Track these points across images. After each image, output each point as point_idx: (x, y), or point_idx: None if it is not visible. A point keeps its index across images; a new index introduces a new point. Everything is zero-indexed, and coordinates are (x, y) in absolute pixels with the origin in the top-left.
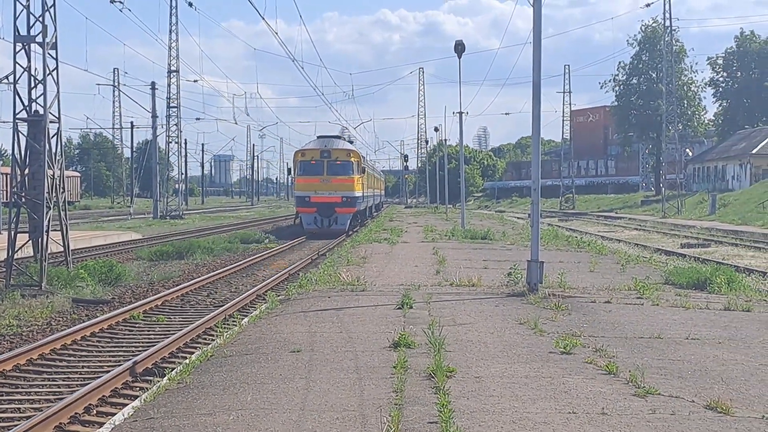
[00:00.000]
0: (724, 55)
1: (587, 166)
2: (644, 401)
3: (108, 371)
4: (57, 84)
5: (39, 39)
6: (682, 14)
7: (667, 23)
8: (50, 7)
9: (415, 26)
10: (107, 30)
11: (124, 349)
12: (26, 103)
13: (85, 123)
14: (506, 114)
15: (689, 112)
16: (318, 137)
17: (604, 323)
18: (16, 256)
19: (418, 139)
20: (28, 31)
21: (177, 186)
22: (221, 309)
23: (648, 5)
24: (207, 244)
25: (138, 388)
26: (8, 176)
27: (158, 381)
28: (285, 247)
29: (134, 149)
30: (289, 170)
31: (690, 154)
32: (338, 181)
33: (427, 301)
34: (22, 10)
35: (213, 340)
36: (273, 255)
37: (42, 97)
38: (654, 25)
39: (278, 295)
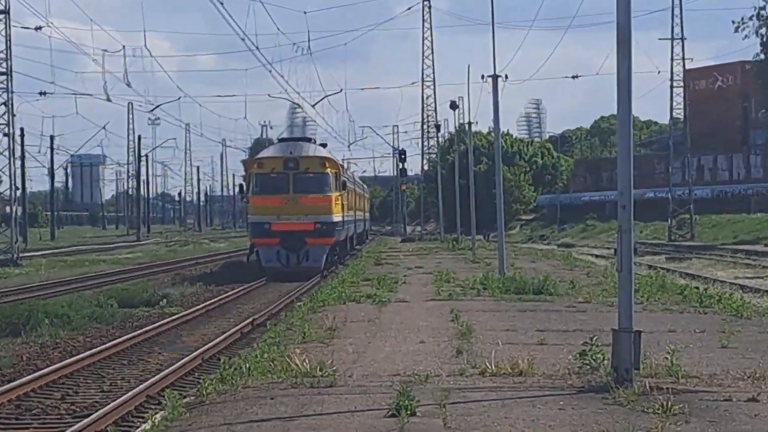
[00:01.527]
0: None
1: (714, 164)
2: None
3: None
4: None
5: None
6: None
7: None
8: None
9: None
10: None
11: None
12: None
13: None
14: (573, 78)
15: None
16: (279, 140)
17: None
18: None
19: (423, 124)
20: None
21: (8, 210)
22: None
23: None
24: (61, 309)
25: None
26: None
27: None
28: (222, 300)
29: None
30: (240, 187)
31: None
32: (310, 200)
33: (441, 402)
34: None
35: None
36: (189, 321)
37: None
38: None
39: (184, 396)
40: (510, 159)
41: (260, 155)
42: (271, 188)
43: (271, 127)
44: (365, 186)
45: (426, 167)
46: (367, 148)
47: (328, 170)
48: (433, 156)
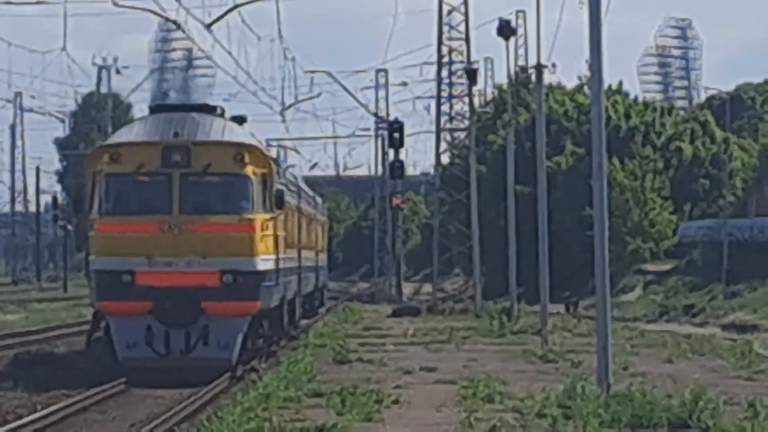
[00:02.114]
0: None
1: None
2: None
3: None
4: None
5: None
6: None
7: None
8: None
9: None
10: None
11: None
12: None
13: None
14: None
15: None
16: (153, 110)
17: None
18: None
19: (439, 67)
20: None
21: None
22: None
23: None
24: None
25: None
26: None
27: None
28: None
29: None
30: (74, 200)
31: None
32: (212, 228)
33: None
34: None
35: None
36: None
37: None
38: None
39: None
40: (623, 144)
41: (114, 139)
42: (137, 204)
43: (119, 71)
44: (318, 199)
45: (445, 158)
46: (321, 118)
47: (251, 169)
48: (460, 137)
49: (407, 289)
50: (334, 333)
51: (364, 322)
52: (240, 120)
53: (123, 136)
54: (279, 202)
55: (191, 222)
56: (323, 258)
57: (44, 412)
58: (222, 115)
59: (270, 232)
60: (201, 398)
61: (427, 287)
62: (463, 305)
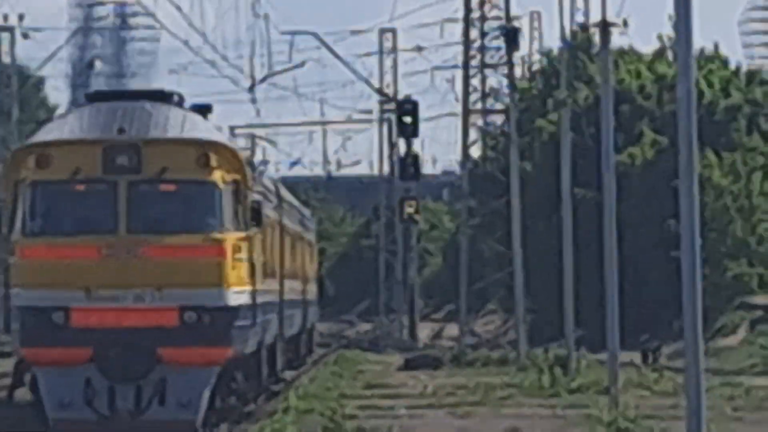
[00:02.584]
0: None
1: None
2: None
3: None
4: None
5: None
6: None
7: None
8: None
9: None
10: None
11: None
12: None
13: None
14: None
15: None
16: (90, 97)
17: None
18: None
19: (467, 27)
20: None
21: None
22: None
23: None
24: None
25: None
26: None
27: None
28: None
29: None
30: None
31: None
32: (170, 250)
33: None
34: None
35: None
36: None
37: None
38: None
39: None
40: (721, 130)
41: (42, 136)
42: (71, 221)
43: (26, 34)
44: (306, 212)
45: (475, 152)
46: (305, 97)
47: (218, 175)
48: (496, 122)
49: (424, 331)
50: (325, 392)
51: (366, 376)
52: (204, 110)
53: (53, 132)
54: (256, 216)
55: (142, 244)
56: (312, 290)
57: None
58: (180, 104)
59: (244, 255)
60: None
61: (452, 329)
62: (502, 354)
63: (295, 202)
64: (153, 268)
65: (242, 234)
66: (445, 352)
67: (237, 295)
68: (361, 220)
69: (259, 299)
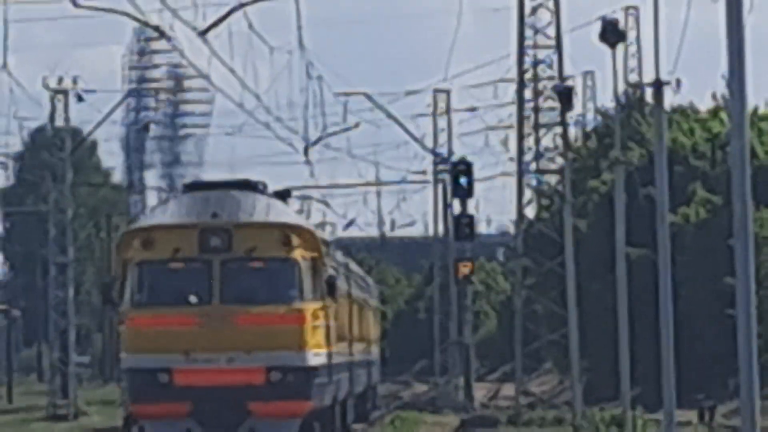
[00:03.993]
0: None
1: None
2: None
3: None
4: None
5: None
6: None
7: None
8: None
9: None
10: None
11: None
12: None
13: None
14: None
15: None
16: (188, 187)
17: None
18: None
19: (520, 83)
20: None
21: None
22: None
23: None
24: None
25: None
26: None
27: None
28: None
29: None
30: (104, 286)
31: None
32: (257, 319)
33: None
34: None
35: None
36: None
37: None
38: None
39: None
40: None
41: (147, 221)
42: (173, 294)
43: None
44: (370, 281)
45: (530, 212)
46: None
47: (299, 253)
48: (550, 182)
49: (480, 392)
50: None
51: None
52: (283, 195)
53: (156, 218)
54: (330, 289)
55: (234, 313)
56: (375, 351)
57: None
58: (264, 191)
59: (321, 322)
60: None
61: (508, 389)
62: (558, 414)
63: (361, 272)
64: (243, 334)
65: (319, 304)
66: (501, 412)
67: (315, 357)
68: (415, 281)
69: (334, 360)
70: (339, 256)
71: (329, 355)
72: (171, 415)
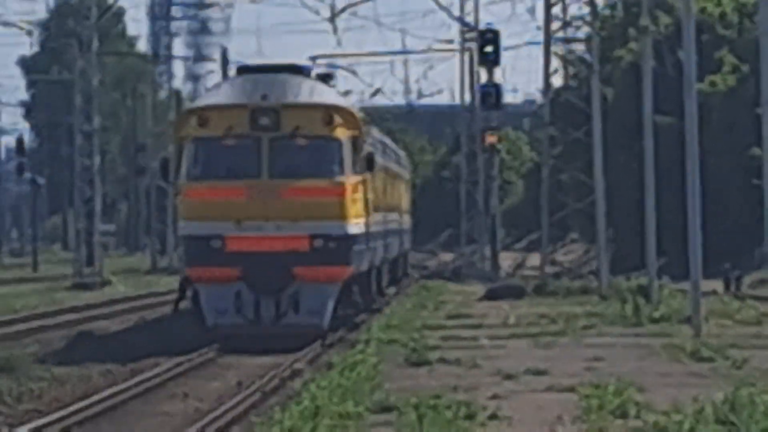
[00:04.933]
0: None
1: None
2: None
3: None
4: None
5: None
6: None
7: None
8: None
9: None
10: None
11: None
12: None
13: None
14: None
15: None
16: (240, 70)
17: None
18: None
19: None
20: None
21: None
22: None
23: None
24: None
25: None
26: None
27: None
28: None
29: None
30: (162, 165)
31: None
32: (302, 192)
33: None
34: None
35: None
36: None
37: None
38: None
39: None
40: None
41: (201, 101)
42: (225, 168)
43: None
44: (402, 153)
45: (557, 80)
46: (386, 26)
47: (340, 131)
48: (578, 51)
49: (506, 261)
50: (406, 323)
51: (448, 307)
52: (327, 77)
53: (211, 98)
54: (369, 164)
55: (281, 186)
56: (407, 220)
57: (138, 379)
58: (309, 74)
59: (360, 195)
60: (290, 365)
61: (534, 259)
62: (584, 283)
63: (394, 146)
64: (289, 204)
65: (359, 178)
66: (527, 282)
67: (354, 226)
68: (442, 151)
69: (371, 229)
70: (376, 132)
71: (367, 225)
72: (223, 278)
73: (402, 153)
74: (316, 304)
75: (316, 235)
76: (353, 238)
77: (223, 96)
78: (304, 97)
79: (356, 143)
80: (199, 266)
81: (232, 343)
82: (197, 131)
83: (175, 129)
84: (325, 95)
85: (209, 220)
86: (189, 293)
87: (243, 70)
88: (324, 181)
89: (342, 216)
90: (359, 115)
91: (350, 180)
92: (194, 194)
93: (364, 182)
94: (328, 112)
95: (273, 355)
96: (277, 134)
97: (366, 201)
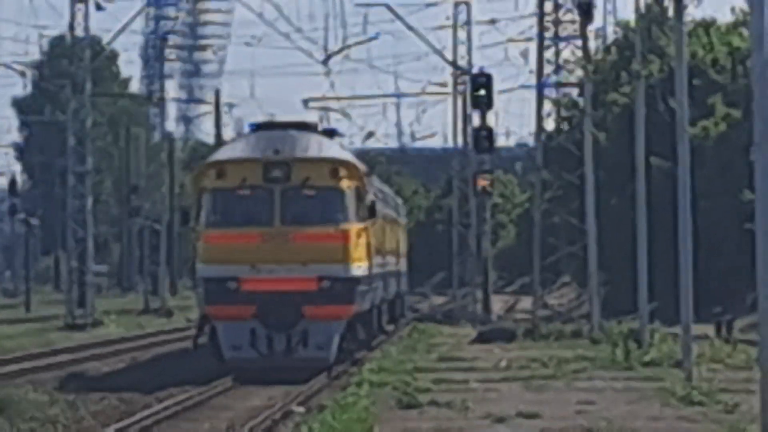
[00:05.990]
0: None
1: None
2: None
3: None
4: None
5: None
6: None
7: None
8: None
9: None
10: None
11: None
12: None
13: None
14: None
15: None
16: (253, 128)
17: None
18: None
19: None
20: None
21: None
22: None
23: None
24: None
25: None
26: None
27: None
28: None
29: None
30: (182, 213)
31: None
32: (311, 238)
33: None
34: None
35: None
36: None
37: None
38: None
39: None
40: None
41: (219, 156)
42: (241, 216)
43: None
44: (399, 201)
45: (549, 125)
46: (379, 69)
47: (345, 183)
48: (571, 95)
49: (498, 304)
50: (398, 365)
51: (440, 349)
52: (331, 133)
53: (228, 152)
54: (371, 212)
55: (291, 232)
56: (404, 263)
57: (161, 406)
58: (316, 130)
59: (363, 240)
60: (299, 396)
61: (526, 302)
62: (575, 327)
63: (392, 193)
64: (298, 249)
65: (362, 225)
66: (518, 325)
67: (357, 269)
68: (435, 194)
69: (372, 272)
70: (376, 181)
71: (369, 268)
72: (238, 316)
73: (399, 200)
74: (323, 339)
75: (323, 277)
76: (357, 280)
77: (239, 150)
78: (312, 152)
79: (359, 193)
80: (216, 305)
81: (246, 375)
82: (215, 182)
83: (195, 180)
84: (331, 150)
85: (226, 263)
86: (207, 330)
87: (257, 127)
88: (330, 227)
89: (346, 259)
90: (362, 167)
91: (354, 227)
92: (212, 239)
93: (366, 229)
94: (334, 165)
95: (286, 385)
96: (288, 185)
97: (368, 246)
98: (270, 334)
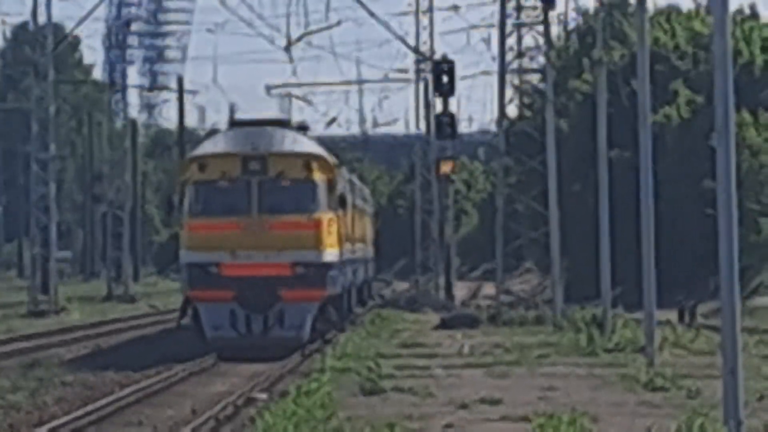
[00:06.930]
0: None
1: None
2: None
3: None
4: None
5: None
6: None
7: None
8: None
9: None
10: None
11: None
12: None
13: None
14: None
15: None
16: (232, 125)
17: None
18: None
19: None
20: None
21: None
22: None
23: None
24: None
25: None
26: None
27: None
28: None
29: None
30: (168, 203)
31: None
32: (286, 226)
33: None
34: None
35: None
36: None
37: None
38: None
39: None
40: (758, 89)
41: (201, 151)
42: (221, 206)
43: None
44: (366, 191)
45: (512, 111)
46: (341, 56)
47: (317, 175)
48: (532, 81)
49: (461, 291)
50: (361, 352)
51: (403, 336)
52: (304, 129)
53: (208, 147)
54: (342, 203)
55: (268, 221)
56: (371, 250)
57: (151, 380)
58: (290, 126)
59: (334, 228)
60: (275, 373)
61: (489, 288)
62: (538, 313)
63: (360, 184)
64: (274, 237)
65: (332, 214)
66: (481, 311)
67: (329, 255)
68: (397, 180)
69: (343, 258)
70: (345, 173)
71: (340, 254)
72: (219, 298)
73: (366, 190)
74: (297, 320)
75: (297, 263)
76: (328, 265)
77: (219, 146)
78: (287, 147)
79: (330, 185)
80: (199, 289)
81: (227, 353)
82: (197, 175)
83: (179, 173)
84: (305, 145)
85: (208, 250)
86: (190, 312)
87: (235, 123)
88: (303, 217)
89: (319, 246)
90: (333, 160)
91: (325, 216)
92: (195, 228)
93: (337, 218)
94: (307, 159)
95: (263, 363)
96: (265, 178)
97: (339, 234)
98: (248, 315)
